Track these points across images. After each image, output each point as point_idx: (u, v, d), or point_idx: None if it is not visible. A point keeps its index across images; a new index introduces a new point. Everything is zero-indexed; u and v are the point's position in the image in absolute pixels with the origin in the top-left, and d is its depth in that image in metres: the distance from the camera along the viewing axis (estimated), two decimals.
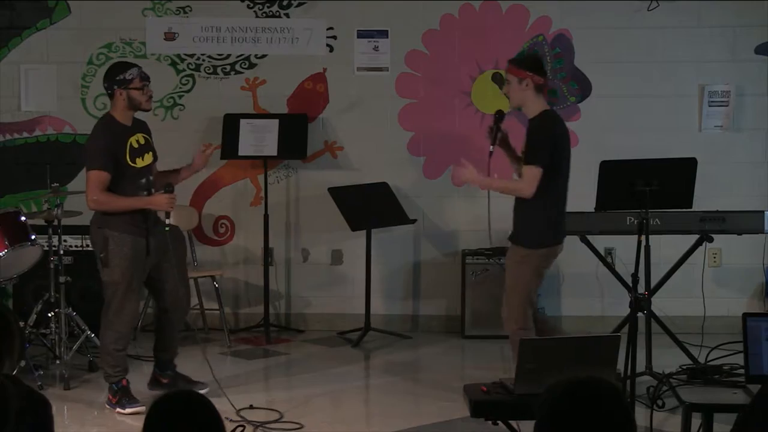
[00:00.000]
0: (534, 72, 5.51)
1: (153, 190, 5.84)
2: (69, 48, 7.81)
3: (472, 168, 5.62)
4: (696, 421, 4.16)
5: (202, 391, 5.66)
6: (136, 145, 5.79)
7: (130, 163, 5.73)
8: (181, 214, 7.75)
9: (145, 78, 5.73)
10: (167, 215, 5.79)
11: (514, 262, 5.60)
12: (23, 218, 6.36)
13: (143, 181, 5.80)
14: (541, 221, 5.53)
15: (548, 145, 5.48)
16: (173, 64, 7.85)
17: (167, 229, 5.75)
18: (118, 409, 5.80)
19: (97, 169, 5.64)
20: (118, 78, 5.71)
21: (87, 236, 7.45)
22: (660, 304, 6.35)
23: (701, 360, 5.73)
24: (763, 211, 6.63)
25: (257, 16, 7.82)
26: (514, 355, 4.99)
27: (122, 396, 5.85)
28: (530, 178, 5.45)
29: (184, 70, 7.84)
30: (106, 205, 5.68)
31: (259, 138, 7.52)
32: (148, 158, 5.83)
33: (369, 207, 7.52)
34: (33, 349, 6.50)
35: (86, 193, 5.69)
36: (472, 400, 4.36)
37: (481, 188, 5.71)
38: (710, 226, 6.47)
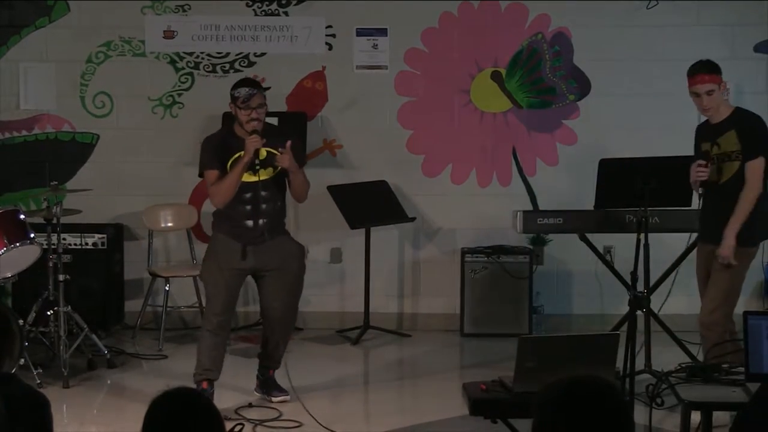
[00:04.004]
0: (722, 74, 5.52)
1: (264, 206, 5.77)
2: (68, 46, 7.80)
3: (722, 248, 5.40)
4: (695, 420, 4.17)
5: (279, 398, 5.86)
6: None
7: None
8: (180, 213, 7.77)
9: (247, 100, 5.66)
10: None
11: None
12: (22, 216, 6.35)
13: (248, 195, 5.73)
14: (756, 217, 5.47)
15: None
16: (172, 62, 7.85)
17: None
18: None
19: (205, 170, 5.76)
20: (231, 92, 5.76)
21: (86, 234, 7.51)
22: (659, 303, 6.35)
23: (700, 358, 5.73)
24: None
25: (256, 15, 7.81)
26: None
27: None
28: (759, 173, 5.44)
29: (183, 68, 7.84)
30: (218, 193, 5.72)
31: None
32: (262, 174, 5.72)
33: (368, 205, 7.52)
34: (32, 348, 6.48)
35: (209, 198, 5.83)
36: (471, 398, 4.36)
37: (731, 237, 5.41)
38: None
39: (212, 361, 5.81)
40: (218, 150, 5.76)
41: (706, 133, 5.66)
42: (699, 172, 5.49)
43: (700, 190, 5.56)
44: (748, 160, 5.44)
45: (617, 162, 6.25)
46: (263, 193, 5.78)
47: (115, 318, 7.68)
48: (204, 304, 6.33)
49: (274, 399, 5.93)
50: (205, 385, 5.74)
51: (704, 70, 5.55)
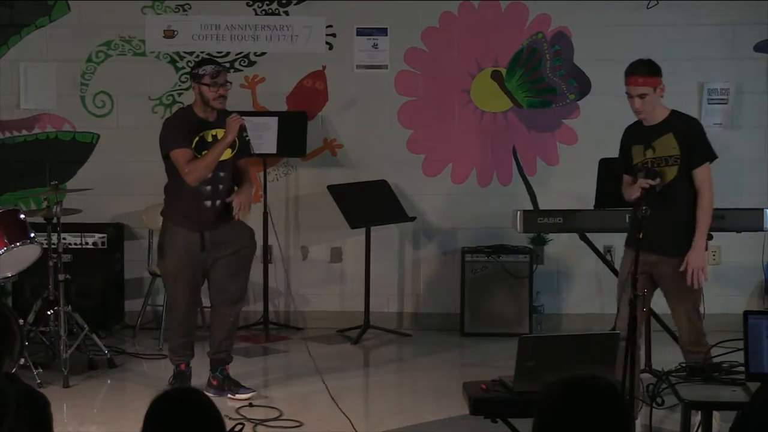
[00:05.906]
0: (661, 76, 5.28)
1: (221, 187, 5.84)
2: (68, 46, 7.80)
3: (692, 257, 5.21)
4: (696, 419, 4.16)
5: (246, 395, 5.87)
6: (209, 140, 5.82)
7: (196, 155, 5.77)
8: None
9: (215, 76, 5.77)
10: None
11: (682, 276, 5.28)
12: (22, 216, 6.35)
13: (210, 175, 5.78)
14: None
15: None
16: (172, 61, 7.85)
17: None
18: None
19: (176, 149, 5.74)
20: (193, 72, 5.89)
21: (86, 234, 7.51)
22: (660, 302, 6.35)
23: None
24: (762, 209, 6.62)
25: (257, 14, 7.81)
26: None
27: (175, 380, 6.02)
28: (709, 178, 5.24)
29: (183, 67, 7.84)
30: (198, 170, 5.70)
31: (258, 136, 7.50)
32: (225, 154, 5.81)
33: (368, 205, 7.52)
34: (32, 347, 6.49)
35: (181, 174, 5.73)
36: (472, 397, 4.36)
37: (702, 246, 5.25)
38: None
39: (184, 347, 6.01)
40: (185, 129, 5.81)
41: (638, 135, 5.39)
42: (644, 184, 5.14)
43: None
44: (695, 167, 5.25)
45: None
46: (221, 174, 5.87)
47: (115, 317, 7.68)
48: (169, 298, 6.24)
49: (240, 396, 5.94)
50: (183, 366, 5.98)
51: (639, 72, 5.29)
